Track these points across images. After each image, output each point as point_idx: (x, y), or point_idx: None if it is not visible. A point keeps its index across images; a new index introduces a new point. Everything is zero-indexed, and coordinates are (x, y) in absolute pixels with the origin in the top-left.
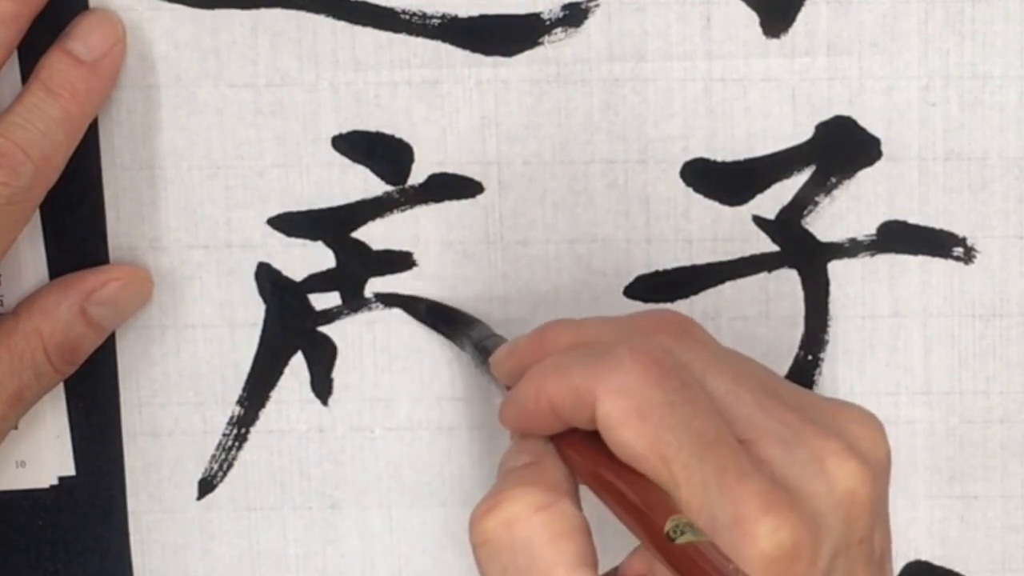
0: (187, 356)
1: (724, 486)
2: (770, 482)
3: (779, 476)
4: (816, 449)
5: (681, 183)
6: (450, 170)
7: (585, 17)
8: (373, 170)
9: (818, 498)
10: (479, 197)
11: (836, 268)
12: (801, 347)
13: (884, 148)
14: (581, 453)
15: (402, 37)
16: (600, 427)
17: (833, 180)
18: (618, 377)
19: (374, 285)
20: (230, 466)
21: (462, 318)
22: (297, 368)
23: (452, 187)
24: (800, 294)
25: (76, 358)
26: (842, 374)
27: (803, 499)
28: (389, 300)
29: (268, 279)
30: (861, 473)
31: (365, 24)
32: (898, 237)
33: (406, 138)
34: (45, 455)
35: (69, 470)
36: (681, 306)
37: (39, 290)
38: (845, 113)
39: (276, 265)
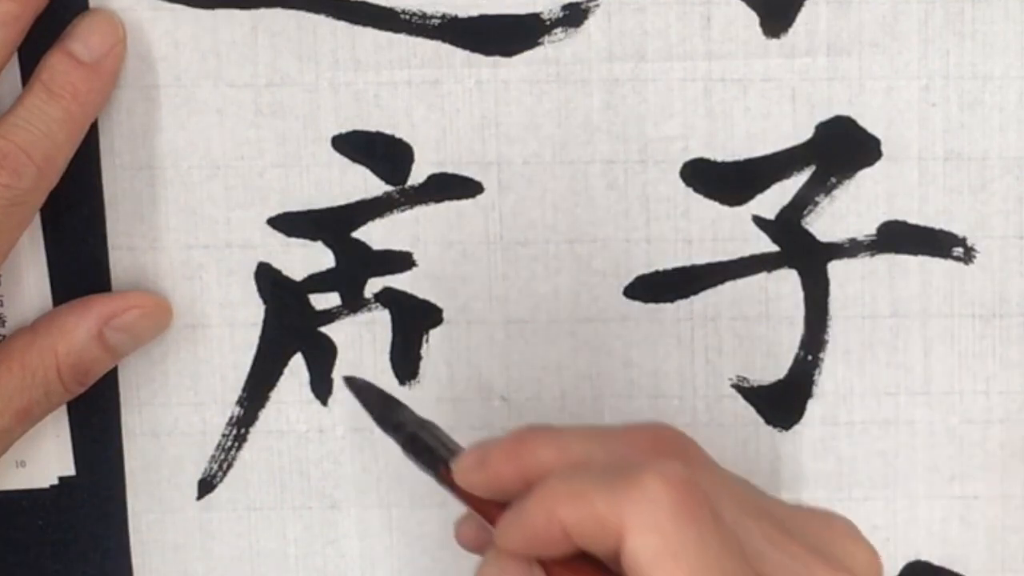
0: (187, 356)
1: None
2: None
3: None
4: None
5: (681, 183)
6: (450, 170)
7: (585, 17)
8: (373, 170)
9: None
10: (479, 197)
11: (836, 268)
12: (801, 347)
13: (884, 148)
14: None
15: (402, 37)
16: (626, 564)
17: (833, 180)
18: (649, 510)
19: (374, 285)
20: (230, 466)
21: (387, 401)
22: (297, 368)
23: (452, 187)
24: (800, 294)
25: (87, 379)
26: (842, 374)
27: None
28: (387, 302)
29: (268, 279)
30: None
31: (365, 24)
32: (898, 237)
33: (406, 138)
34: (45, 455)
35: (69, 470)
36: (681, 306)
37: (58, 308)
38: (845, 113)
39: (276, 265)
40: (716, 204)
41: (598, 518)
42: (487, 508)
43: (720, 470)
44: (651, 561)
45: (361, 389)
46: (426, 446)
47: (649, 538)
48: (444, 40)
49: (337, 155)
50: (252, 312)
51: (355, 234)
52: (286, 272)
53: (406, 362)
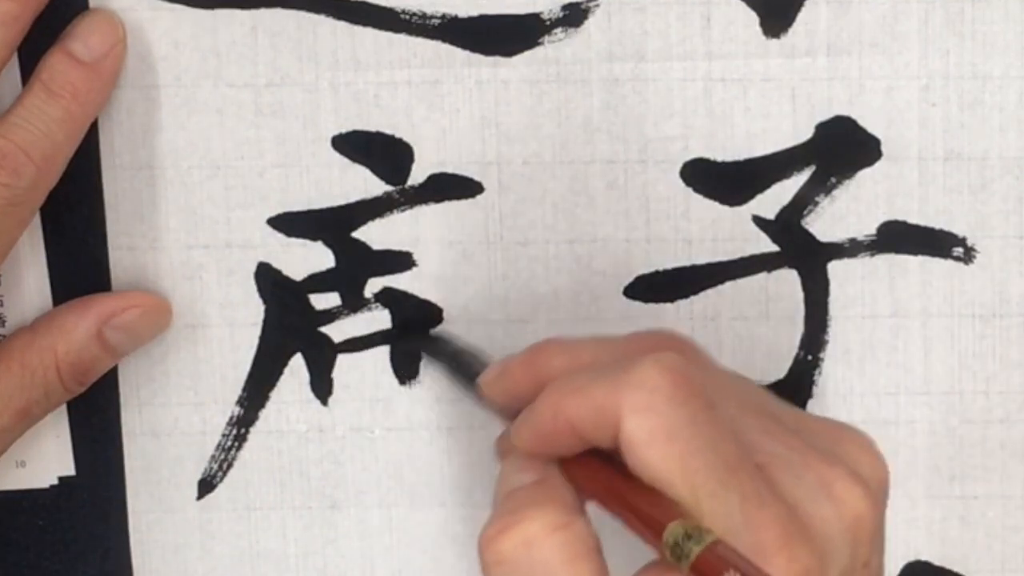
0: (187, 356)
1: (746, 514)
2: (788, 512)
3: (791, 501)
4: (823, 474)
5: (681, 183)
6: (450, 170)
7: (585, 17)
8: (373, 170)
9: (827, 523)
10: (479, 197)
11: (836, 268)
12: (801, 347)
13: (884, 148)
14: (591, 472)
15: (402, 37)
16: (624, 446)
17: (833, 180)
18: (644, 394)
19: (374, 285)
20: (230, 466)
21: (435, 337)
22: (297, 368)
23: (452, 187)
24: (800, 294)
25: (87, 379)
26: (842, 374)
27: (814, 526)
28: (387, 302)
29: (268, 279)
30: (866, 498)
31: (365, 24)
32: (898, 237)
33: (406, 138)
34: (45, 455)
35: (69, 470)
36: (681, 306)
37: (58, 308)
38: (845, 113)
39: (276, 265)
40: (716, 204)
41: (598, 407)
42: (514, 418)
43: (725, 372)
44: (645, 441)
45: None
46: (467, 368)
47: (643, 419)
48: (444, 40)
49: (337, 155)
50: (252, 312)
51: (355, 234)
52: (286, 272)
53: (406, 362)
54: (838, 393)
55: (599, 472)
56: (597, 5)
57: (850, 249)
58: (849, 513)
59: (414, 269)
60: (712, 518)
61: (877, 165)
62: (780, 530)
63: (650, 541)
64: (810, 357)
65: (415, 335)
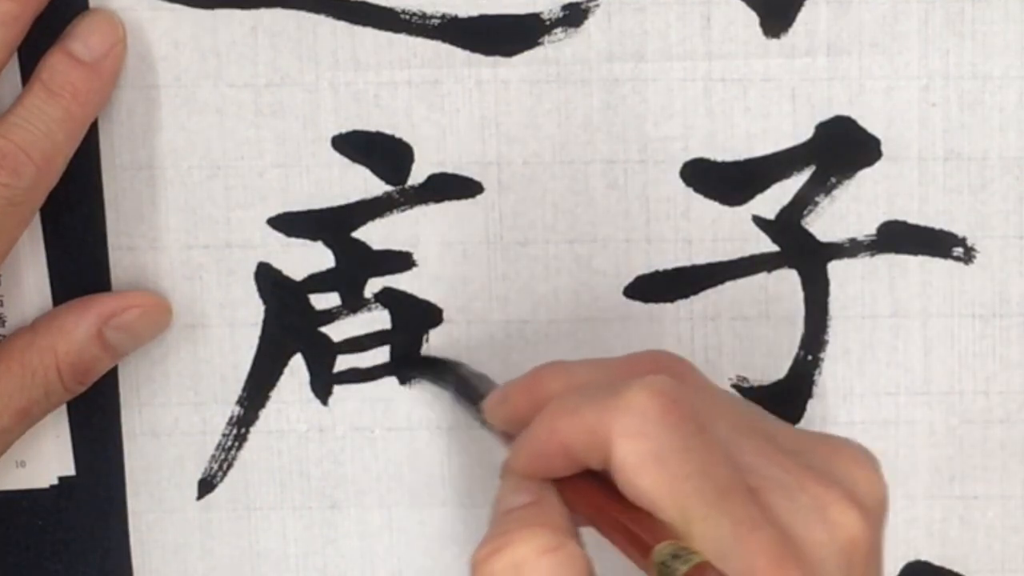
0: (187, 356)
1: (738, 537)
2: (780, 536)
3: (784, 524)
4: (818, 497)
5: (681, 183)
6: (450, 170)
7: (585, 17)
8: (373, 170)
9: (821, 547)
10: (479, 197)
11: (836, 268)
12: (801, 347)
13: (884, 148)
14: (584, 493)
15: (402, 37)
16: (615, 470)
17: (833, 180)
18: (635, 419)
19: (374, 285)
20: (230, 466)
21: (442, 362)
22: (297, 368)
23: (452, 187)
24: (800, 294)
25: (87, 379)
26: (842, 374)
27: (807, 549)
28: (387, 302)
29: (268, 279)
30: (862, 520)
31: (365, 24)
32: (898, 237)
33: (406, 138)
34: (45, 455)
35: (69, 470)
36: (681, 306)
37: (58, 308)
38: (845, 113)
39: (276, 265)
40: (716, 204)
41: (589, 429)
42: None
43: (719, 392)
44: (637, 465)
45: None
46: (473, 392)
47: (634, 443)
48: (444, 40)
49: (337, 155)
50: (252, 312)
51: (355, 234)
52: (286, 272)
53: (406, 362)
54: (838, 393)
55: (593, 494)
56: (597, 5)
57: (850, 249)
58: (844, 536)
59: (414, 269)
60: (703, 542)
61: (877, 165)
62: (772, 554)
63: (639, 562)
64: (810, 357)
65: (421, 361)
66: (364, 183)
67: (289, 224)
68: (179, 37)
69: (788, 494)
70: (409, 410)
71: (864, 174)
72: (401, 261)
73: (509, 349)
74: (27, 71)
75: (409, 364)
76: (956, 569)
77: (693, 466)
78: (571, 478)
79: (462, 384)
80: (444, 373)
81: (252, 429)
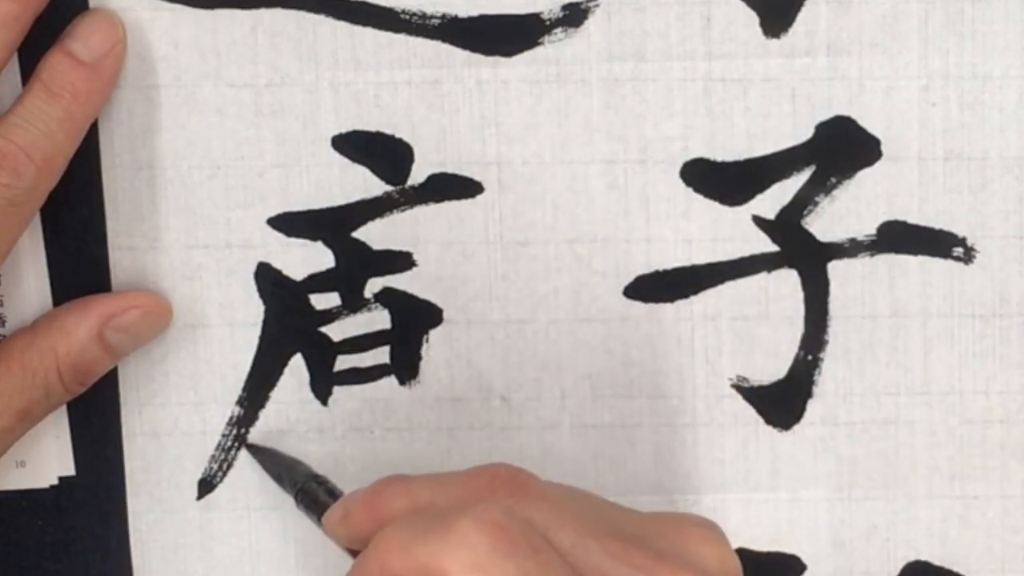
0: (187, 356)
1: None
2: None
3: None
4: None
5: (681, 183)
6: (450, 170)
7: (585, 17)
8: (373, 170)
9: None
10: (479, 197)
11: (836, 268)
12: (801, 347)
13: (884, 148)
14: None
15: (402, 37)
16: None
17: (833, 180)
18: (467, 553)
19: (374, 285)
20: (230, 466)
21: (282, 460)
22: (297, 368)
23: (452, 187)
24: (800, 294)
25: (88, 380)
26: (842, 374)
27: None
28: (387, 302)
29: (268, 279)
30: None
31: (365, 24)
32: (898, 237)
33: (406, 138)
34: (45, 455)
35: (69, 470)
36: (681, 306)
37: (58, 308)
38: (845, 113)
39: (276, 265)
40: (716, 204)
41: (422, 566)
42: None
43: (562, 497)
44: None
45: (260, 452)
46: (315, 500)
47: None
48: (444, 40)
49: (337, 155)
50: (252, 312)
51: (355, 234)
52: (286, 272)
53: (406, 362)
54: (838, 393)
55: None
56: (597, 5)
57: (850, 249)
58: None
59: (414, 269)
60: None
61: (877, 165)
62: None
63: None
64: (810, 357)
65: (271, 466)
66: (364, 183)
67: (289, 224)
68: (179, 37)
69: None
70: (409, 410)
71: (864, 174)
72: (401, 261)
73: (509, 349)
74: (27, 71)
75: (264, 460)
76: (956, 569)
77: None
78: None
79: (301, 488)
80: (285, 473)
81: (252, 429)
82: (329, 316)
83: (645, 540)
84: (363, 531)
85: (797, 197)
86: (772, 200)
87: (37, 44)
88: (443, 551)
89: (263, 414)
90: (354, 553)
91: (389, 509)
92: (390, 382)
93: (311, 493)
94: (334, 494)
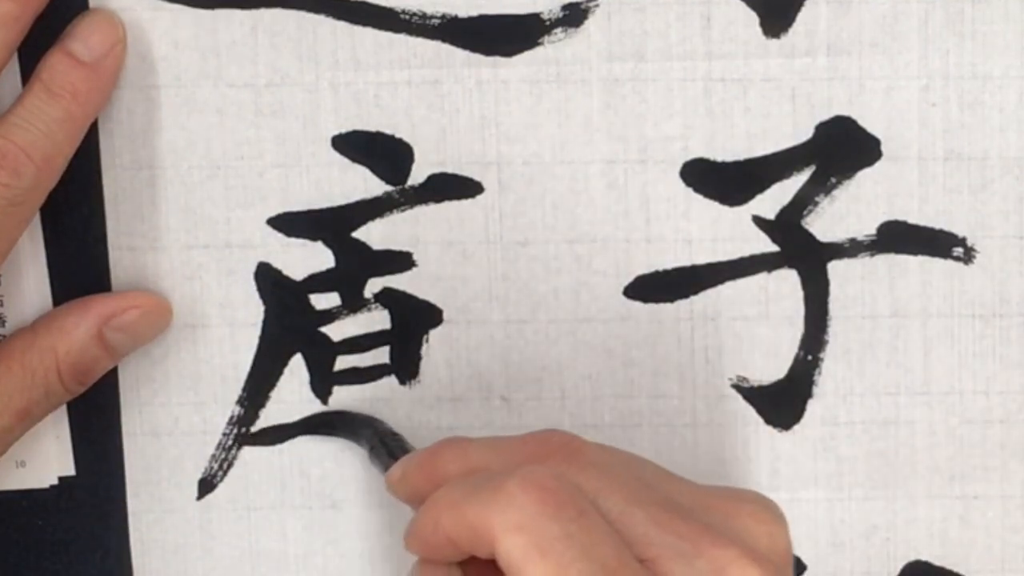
0: (187, 356)
1: None
2: None
3: None
4: (715, 559)
5: (681, 183)
6: (450, 170)
7: (585, 17)
8: (373, 170)
9: None
10: (479, 197)
11: (836, 268)
12: (801, 347)
13: (884, 148)
14: (487, 574)
15: (402, 37)
16: (501, 564)
17: (833, 180)
18: (513, 513)
19: (374, 285)
20: (230, 466)
21: (357, 419)
22: (297, 368)
23: (452, 187)
24: (800, 294)
25: (88, 379)
26: (842, 374)
27: None
28: (387, 302)
29: (268, 279)
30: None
31: (365, 24)
32: (898, 237)
33: (406, 138)
34: (45, 455)
35: (69, 470)
36: (681, 306)
37: (58, 308)
38: (845, 113)
39: (276, 265)
40: (716, 204)
41: (471, 525)
42: None
43: (613, 463)
44: (521, 559)
45: (331, 414)
46: (386, 456)
47: (516, 538)
48: (444, 40)
49: (337, 155)
50: (252, 312)
51: (355, 234)
52: (286, 272)
53: (406, 362)
54: (838, 393)
55: None
56: (597, 5)
57: (850, 249)
58: None
59: (414, 269)
60: None
61: (877, 165)
62: None
63: None
64: (810, 357)
65: (337, 417)
66: (364, 183)
67: (289, 224)
68: (179, 37)
69: (685, 560)
70: (409, 410)
71: (864, 174)
72: (401, 261)
73: (509, 349)
74: (27, 71)
75: (323, 421)
76: (956, 569)
77: (576, 551)
78: (476, 560)
79: (377, 443)
80: (360, 429)
81: (252, 429)
82: (329, 316)
83: (694, 512)
84: (420, 490)
85: (797, 197)
86: (772, 200)
87: (37, 44)
88: (490, 510)
89: (263, 414)
90: (415, 510)
91: (444, 470)
92: (390, 382)
93: (383, 449)
94: (407, 451)
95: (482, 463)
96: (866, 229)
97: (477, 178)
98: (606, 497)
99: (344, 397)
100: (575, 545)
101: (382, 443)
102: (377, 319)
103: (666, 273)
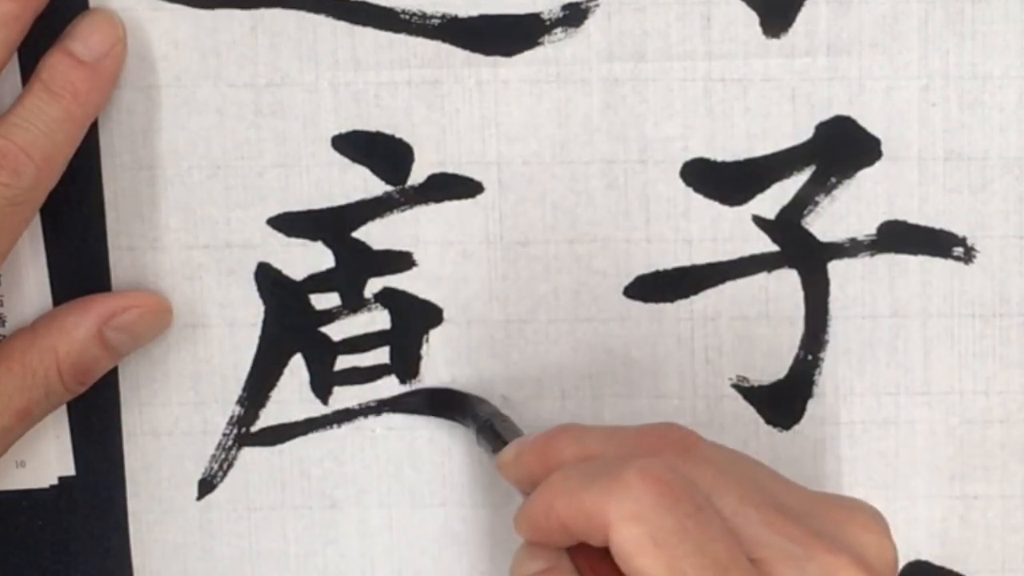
0: (187, 356)
1: None
2: None
3: None
4: (826, 565)
5: (681, 183)
6: (450, 170)
7: (585, 17)
8: (373, 170)
9: None
10: (479, 197)
11: (836, 268)
12: (801, 347)
13: (884, 148)
14: (596, 563)
15: (402, 37)
16: (614, 552)
17: (833, 180)
18: (630, 503)
19: (374, 285)
20: (230, 466)
21: (464, 399)
22: (297, 368)
23: (452, 187)
24: (800, 294)
25: (88, 379)
26: (842, 374)
27: None
28: (387, 302)
29: (268, 279)
30: None
31: (365, 24)
32: (898, 237)
33: (406, 138)
34: (45, 455)
35: (69, 470)
36: (681, 306)
37: (58, 308)
38: (845, 113)
39: (276, 265)
40: (716, 204)
41: (586, 513)
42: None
43: (728, 462)
44: (635, 549)
45: (439, 392)
46: (495, 437)
47: (631, 528)
48: (444, 40)
49: (337, 155)
50: (252, 312)
51: (355, 234)
52: (286, 272)
53: (406, 362)
54: (838, 393)
55: (603, 564)
56: (597, 5)
57: (850, 249)
58: None
59: (414, 269)
60: None
61: (877, 165)
62: None
63: None
64: (810, 357)
65: (449, 397)
66: (364, 183)
67: (289, 224)
68: (179, 37)
69: (796, 564)
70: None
71: (864, 174)
72: (401, 261)
73: (509, 349)
74: (27, 71)
75: (438, 401)
76: (956, 569)
77: (691, 545)
78: (584, 547)
79: (484, 424)
80: (469, 410)
81: (252, 429)
82: (329, 316)
83: (805, 517)
84: (533, 474)
85: (797, 197)
86: (772, 200)
87: (37, 44)
88: (607, 498)
89: (263, 414)
90: (524, 493)
91: (560, 455)
92: (390, 382)
93: (492, 430)
94: (517, 433)
95: (597, 451)
96: (866, 229)
97: (477, 178)
98: (720, 495)
99: (344, 397)
100: (689, 539)
101: (491, 424)
102: (377, 319)
103: (666, 273)
